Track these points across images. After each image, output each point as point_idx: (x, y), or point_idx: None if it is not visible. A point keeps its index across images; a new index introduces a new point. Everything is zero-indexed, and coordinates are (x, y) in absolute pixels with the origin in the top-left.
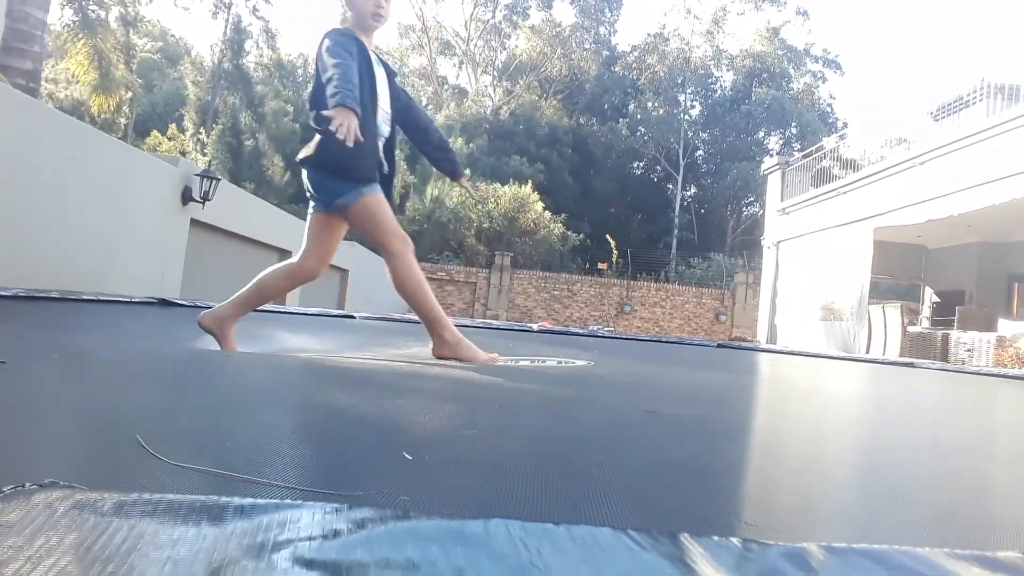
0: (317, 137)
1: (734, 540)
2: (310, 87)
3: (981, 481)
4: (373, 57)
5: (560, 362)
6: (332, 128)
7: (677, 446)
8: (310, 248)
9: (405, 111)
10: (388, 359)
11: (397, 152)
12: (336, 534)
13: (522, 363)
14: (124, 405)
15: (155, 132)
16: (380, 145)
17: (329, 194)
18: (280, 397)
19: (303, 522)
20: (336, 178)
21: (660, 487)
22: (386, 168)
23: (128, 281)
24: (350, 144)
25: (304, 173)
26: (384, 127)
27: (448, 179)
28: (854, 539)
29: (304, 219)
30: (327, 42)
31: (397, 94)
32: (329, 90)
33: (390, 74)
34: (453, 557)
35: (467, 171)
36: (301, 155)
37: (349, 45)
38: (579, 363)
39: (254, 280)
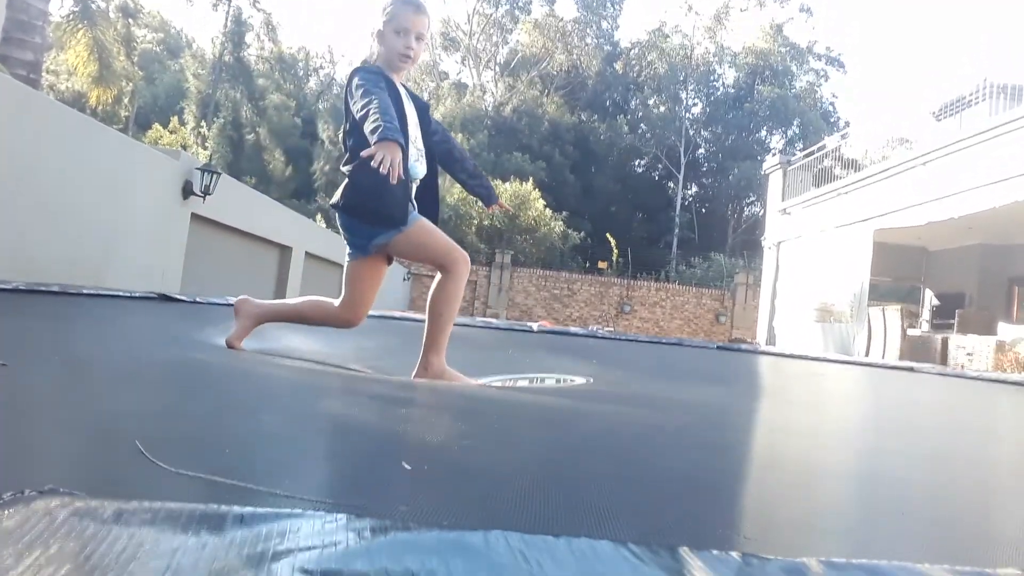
0: (345, 181)
1: (733, 554)
2: (344, 126)
3: (982, 493)
4: (404, 92)
5: (559, 380)
6: (374, 164)
7: (676, 458)
8: (349, 297)
9: (440, 144)
10: (387, 371)
11: None
12: (336, 544)
13: (520, 383)
14: (123, 409)
15: (156, 125)
16: (413, 187)
17: (364, 236)
18: (280, 405)
19: (303, 532)
20: (367, 223)
21: (660, 500)
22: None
23: (128, 275)
24: (393, 181)
25: (339, 221)
26: (418, 167)
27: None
28: (854, 554)
29: (305, 215)
30: (356, 80)
31: (432, 128)
32: (368, 126)
33: (422, 108)
34: (453, 568)
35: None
36: (332, 200)
37: (379, 81)
38: (578, 380)
39: (300, 300)
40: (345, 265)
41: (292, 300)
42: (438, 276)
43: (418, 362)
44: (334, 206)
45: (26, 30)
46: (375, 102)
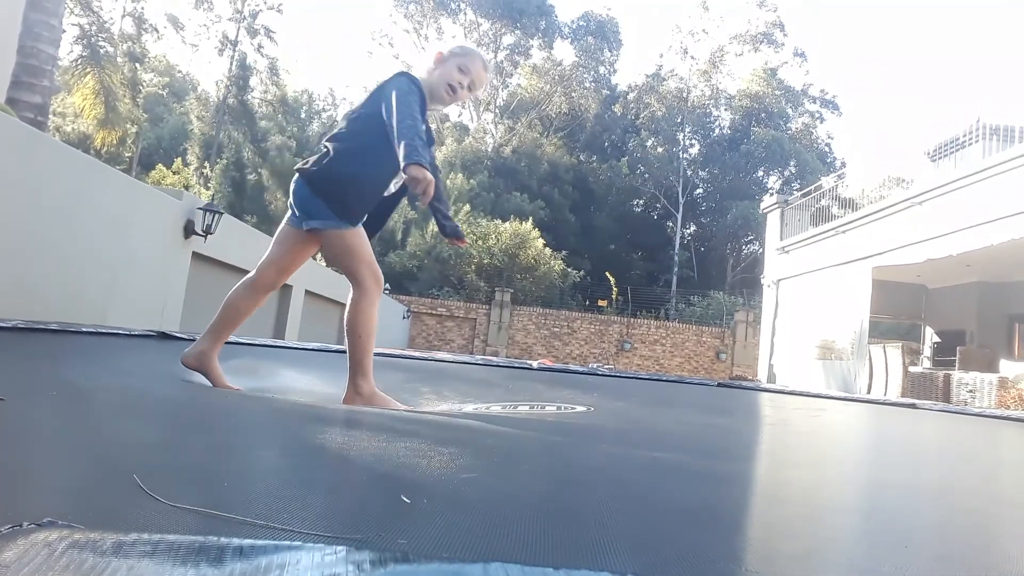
0: (325, 153)
1: None
2: (351, 108)
3: (985, 527)
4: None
5: (559, 407)
6: (417, 190)
7: (677, 490)
8: (273, 257)
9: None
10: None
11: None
12: None
13: (520, 408)
14: (121, 443)
15: (160, 166)
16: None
17: (308, 213)
18: (278, 438)
19: (302, 564)
20: (323, 203)
21: (660, 532)
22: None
23: (129, 313)
24: (423, 205)
25: (293, 182)
26: (393, 186)
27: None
28: None
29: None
30: (404, 81)
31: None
32: (402, 148)
33: (429, 141)
34: None
35: (467, 206)
36: (300, 164)
37: (421, 100)
38: (579, 408)
39: (221, 305)
40: (280, 227)
41: (217, 313)
42: (350, 295)
43: (346, 388)
44: (300, 170)
45: (35, 74)
46: (413, 125)
